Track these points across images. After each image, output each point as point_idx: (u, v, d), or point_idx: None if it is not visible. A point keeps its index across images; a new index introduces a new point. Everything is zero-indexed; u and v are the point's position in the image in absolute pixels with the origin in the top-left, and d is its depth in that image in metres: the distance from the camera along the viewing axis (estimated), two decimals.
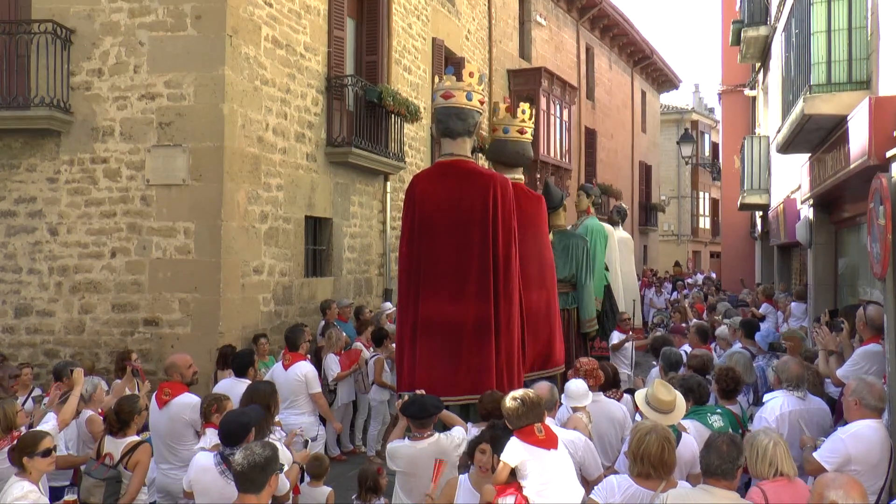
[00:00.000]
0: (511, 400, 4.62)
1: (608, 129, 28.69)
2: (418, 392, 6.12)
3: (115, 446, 5.82)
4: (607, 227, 13.35)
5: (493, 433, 4.79)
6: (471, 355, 7.19)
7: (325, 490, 6.37)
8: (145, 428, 6.94)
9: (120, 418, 5.90)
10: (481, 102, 7.88)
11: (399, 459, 5.46)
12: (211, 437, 5.42)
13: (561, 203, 10.64)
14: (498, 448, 4.56)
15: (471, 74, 7.80)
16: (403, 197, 14.78)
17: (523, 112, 9.32)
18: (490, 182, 7.52)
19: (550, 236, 9.60)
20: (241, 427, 4.93)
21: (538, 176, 19.60)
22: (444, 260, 7.39)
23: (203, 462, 5.00)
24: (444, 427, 5.82)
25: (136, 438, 5.88)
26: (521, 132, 9.29)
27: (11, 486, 4.78)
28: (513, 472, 4.47)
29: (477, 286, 7.31)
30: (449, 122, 7.64)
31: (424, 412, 5.49)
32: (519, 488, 4.35)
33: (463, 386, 7.07)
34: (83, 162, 10.16)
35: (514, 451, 4.43)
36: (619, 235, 14.93)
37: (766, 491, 4.19)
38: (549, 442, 4.49)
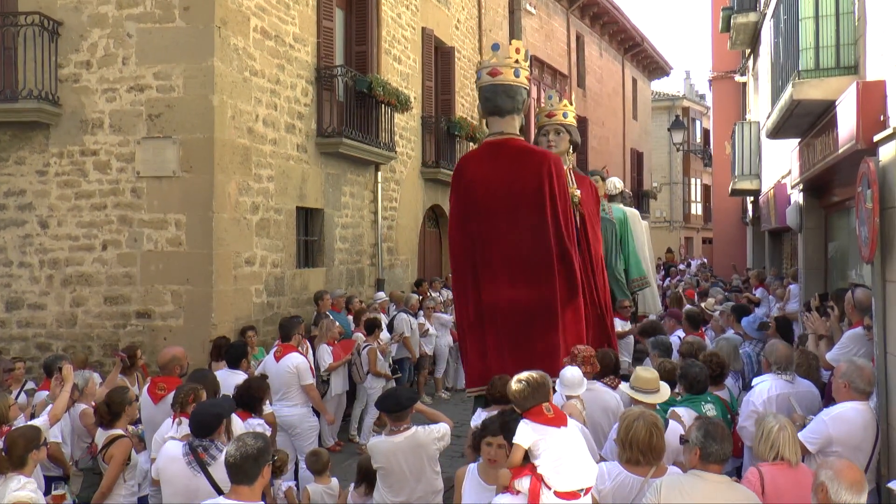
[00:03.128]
0: (516, 383, 4.60)
1: (599, 117, 28.68)
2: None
3: (101, 438, 5.82)
4: (633, 210, 13.39)
5: (502, 419, 4.78)
6: (540, 340, 7.01)
7: (335, 484, 6.35)
8: (139, 420, 6.95)
9: (111, 410, 5.90)
10: (528, 79, 7.63)
11: (378, 455, 5.43)
12: (184, 426, 5.40)
13: None
14: (509, 434, 4.56)
15: (517, 50, 7.52)
16: (394, 186, 14.87)
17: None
18: (544, 160, 7.29)
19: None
20: (214, 418, 4.92)
21: None
22: (502, 243, 7.18)
23: (172, 451, 4.98)
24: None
25: (117, 432, 5.85)
26: (577, 118, 9.39)
27: (9, 481, 4.79)
28: (527, 455, 4.48)
29: (539, 269, 7.10)
30: (497, 99, 7.38)
31: (399, 406, 5.44)
32: (533, 469, 4.36)
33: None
34: (73, 154, 10.13)
35: (525, 433, 4.43)
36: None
37: (764, 473, 4.24)
38: (559, 419, 4.48)
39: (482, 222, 7.28)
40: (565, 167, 8.87)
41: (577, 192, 8.58)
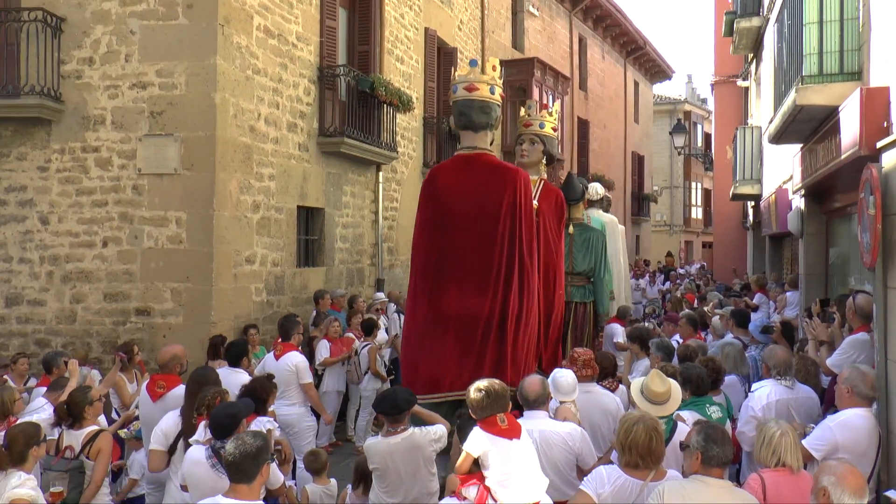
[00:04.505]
0: (476, 391, 4.65)
1: (601, 120, 28.67)
2: (448, 394, 6.19)
3: (73, 438, 5.78)
4: (612, 217, 13.34)
5: (458, 423, 4.83)
6: (494, 349, 7.08)
7: (333, 485, 6.33)
8: (136, 418, 6.94)
9: (71, 410, 5.86)
10: (502, 97, 7.75)
11: (374, 456, 5.41)
12: (206, 430, 5.40)
13: (582, 196, 10.66)
14: (463, 438, 4.60)
15: (494, 68, 7.64)
16: (395, 186, 14.85)
17: (557, 111, 9.42)
18: (515, 176, 7.41)
19: (570, 229, 9.62)
20: (231, 419, 4.94)
21: None
22: (467, 254, 7.26)
23: (195, 455, 5.01)
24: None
25: (94, 428, 5.82)
26: (555, 129, 9.36)
27: (9, 477, 4.78)
28: (477, 463, 4.50)
29: (503, 280, 7.20)
30: (472, 114, 7.46)
31: (396, 408, 5.41)
32: (482, 478, 4.38)
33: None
34: (74, 151, 10.12)
35: (476, 441, 4.47)
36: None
37: (766, 479, 4.23)
38: (512, 432, 4.51)
39: (450, 233, 7.35)
40: (538, 177, 8.94)
41: (535, 204, 8.59)
